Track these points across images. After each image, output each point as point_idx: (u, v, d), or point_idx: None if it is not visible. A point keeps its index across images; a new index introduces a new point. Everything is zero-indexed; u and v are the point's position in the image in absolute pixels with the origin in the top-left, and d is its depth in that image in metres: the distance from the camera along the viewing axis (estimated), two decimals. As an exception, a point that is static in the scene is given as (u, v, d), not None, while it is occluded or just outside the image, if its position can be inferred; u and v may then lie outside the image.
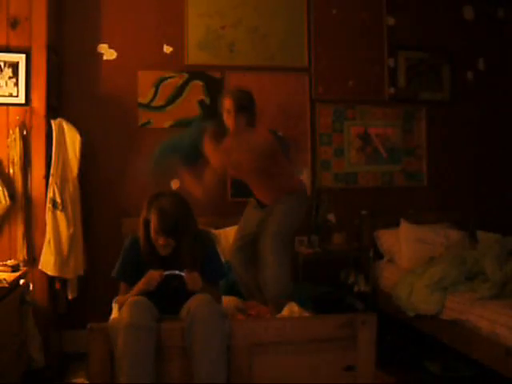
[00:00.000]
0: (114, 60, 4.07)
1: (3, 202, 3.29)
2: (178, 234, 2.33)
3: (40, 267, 3.39)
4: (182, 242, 2.35)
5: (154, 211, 2.33)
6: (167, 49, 4.15)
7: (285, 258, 2.96)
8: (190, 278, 2.30)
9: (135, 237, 2.48)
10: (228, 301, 2.66)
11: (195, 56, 4.16)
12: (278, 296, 2.79)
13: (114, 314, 2.66)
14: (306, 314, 2.54)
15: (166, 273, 2.30)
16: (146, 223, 2.38)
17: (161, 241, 2.33)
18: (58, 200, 3.44)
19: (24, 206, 3.39)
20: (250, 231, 3.13)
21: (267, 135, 3.03)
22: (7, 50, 3.41)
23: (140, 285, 2.32)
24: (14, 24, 3.42)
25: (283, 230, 2.98)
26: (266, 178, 3.04)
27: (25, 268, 3.31)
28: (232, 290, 3.13)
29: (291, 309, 2.58)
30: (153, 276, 2.30)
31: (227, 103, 3.00)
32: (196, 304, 2.13)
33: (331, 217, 4.36)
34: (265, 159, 2.95)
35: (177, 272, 2.30)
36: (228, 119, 3.01)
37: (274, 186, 3.06)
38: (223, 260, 2.82)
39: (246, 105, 2.98)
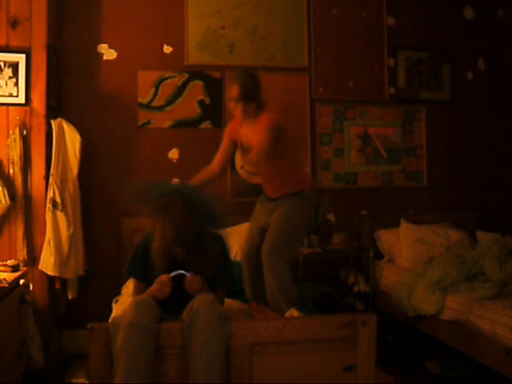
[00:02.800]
0: (114, 60, 4.07)
1: (3, 201, 3.28)
2: (190, 243, 2.36)
3: (40, 267, 3.39)
4: (193, 248, 2.38)
5: (167, 223, 2.32)
6: (167, 49, 4.15)
7: (283, 276, 2.80)
8: (190, 280, 2.30)
9: (149, 236, 2.46)
10: (232, 304, 2.65)
11: (195, 56, 4.16)
12: (282, 308, 2.73)
13: (114, 313, 2.66)
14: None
15: (172, 274, 2.30)
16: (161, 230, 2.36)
17: (178, 250, 2.36)
18: (58, 200, 3.44)
19: (24, 205, 3.39)
20: (256, 235, 3.03)
21: (275, 116, 2.92)
22: (7, 49, 3.41)
23: (153, 291, 2.31)
24: (13, 24, 3.42)
25: (281, 243, 2.82)
26: (275, 164, 2.92)
27: (25, 268, 3.31)
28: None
29: (291, 314, 2.58)
30: (163, 282, 2.29)
31: (234, 92, 2.87)
32: (198, 303, 2.13)
33: (331, 217, 4.36)
34: (273, 141, 2.83)
35: (181, 272, 2.31)
36: (236, 108, 2.90)
37: (282, 176, 2.95)
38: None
39: (254, 92, 2.88)
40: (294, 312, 2.61)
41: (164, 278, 2.30)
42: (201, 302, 2.13)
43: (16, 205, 3.38)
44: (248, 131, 2.92)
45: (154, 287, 2.31)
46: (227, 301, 2.65)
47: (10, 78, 3.41)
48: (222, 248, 2.54)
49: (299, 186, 2.96)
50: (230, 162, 3.14)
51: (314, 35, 4.37)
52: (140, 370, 1.97)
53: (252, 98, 2.85)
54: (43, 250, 3.40)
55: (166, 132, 4.13)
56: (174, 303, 2.30)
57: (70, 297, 3.66)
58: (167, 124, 4.13)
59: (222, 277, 2.47)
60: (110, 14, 4.06)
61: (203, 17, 4.18)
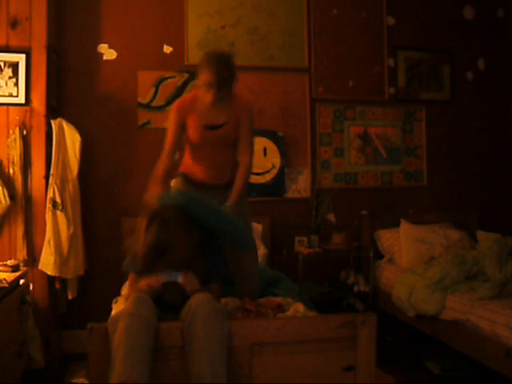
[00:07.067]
0: (114, 60, 4.07)
1: (3, 201, 3.29)
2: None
3: (40, 267, 3.40)
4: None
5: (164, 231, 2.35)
6: (167, 49, 4.15)
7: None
8: (186, 280, 2.30)
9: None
10: (227, 301, 2.65)
11: (195, 56, 4.15)
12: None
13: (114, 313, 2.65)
14: (311, 315, 2.54)
15: (164, 281, 2.30)
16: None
17: None
18: (58, 200, 3.44)
19: (24, 206, 3.39)
20: None
21: (248, 104, 2.84)
22: (7, 49, 3.41)
23: (143, 290, 2.32)
24: (14, 24, 3.42)
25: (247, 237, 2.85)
26: (227, 151, 2.83)
27: (25, 268, 3.31)
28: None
29: (296, 309, 2.58)
30: (152, 285, 2.29)
31: (208, 78, 2.66)
32: (196, 303, 2.12)
33: (331, 217, 4.37)
34: (236, 129, 2.77)
35: (173, 277, 2.30)
36: (207, 94, 2.70)
37: (228, 164, 2.86)
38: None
39: (228, 77, 2.67)
40: (299, 306, 2.61)
41: (153, 282, 2.29)
42: (198, 302, 2.12)
43: (16, 205, 3.38)
44: (213, 113, 2.78)
45: (143, 286, 2.30)
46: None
47: (9, 78, 3.41)
48: (218, 245, 2.56)
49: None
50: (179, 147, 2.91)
51: (314, 35, 4.37)
52: (140, 357, 1.93)
53: (226, 85, 2.69)
54: (43, 250, 3.40)
55: (166, 132, 4.12)
56: (166, 305, 2.31)
57: (69, 297, 3.66)
58: (167, 124, 4.12)
59: (216, 271, 2.50)
60: (110, 14, 4.06)
61: (203, 17, 4.18)
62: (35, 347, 3.24)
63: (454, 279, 3.40)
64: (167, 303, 2.30)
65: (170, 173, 2.86)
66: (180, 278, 2.31)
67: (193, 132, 2.79)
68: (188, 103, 2.83)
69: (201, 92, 2.74)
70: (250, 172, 2.90)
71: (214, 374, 1.95)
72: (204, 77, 2.68)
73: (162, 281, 2.30)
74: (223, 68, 2.66)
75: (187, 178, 2.89)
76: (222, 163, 2.87)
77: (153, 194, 2.68)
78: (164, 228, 2.34)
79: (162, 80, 4.11)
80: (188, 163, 2.90)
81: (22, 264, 3.32)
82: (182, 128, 2.83)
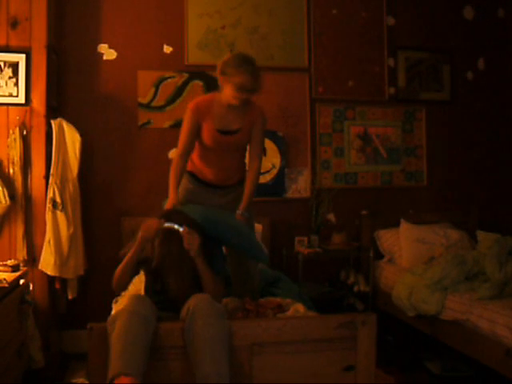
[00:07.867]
0: (114, 60, 4.07)
1: (3, 201, 3.29)
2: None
3: (40, 267, 3.40)
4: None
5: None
6: (167, 49, 4.15)
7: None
8: (188, 235, 2.33)
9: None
10: (227, 301, 2.66)
11: (195, 56, 4.16)
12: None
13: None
14: (311, 315, 2.54)
15: (166, 224, 2.33)
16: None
17: None
18: (58, 200, 3.44)
19: (24, 206, 3.39)
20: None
21: (262, 110, 2.88)
22: (7, 49, 3.41)
23: (140, 232, 2.37)
24: (14, 24, 3.42)
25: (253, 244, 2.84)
26: (237, 153, 2.88)
27: (25, 268, 3.31)
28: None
29: (296, 309, 2.58)
30: (152, 223, 2.36)
31: (243, 80, 2.64)
32: (195, 303, 2.12)
33: (331, 217, 4.37)
34: (248, 134, 2.82)
35: (175, 226, 2.32)
36: (235, 97, 2.70)
37: (237, 165, 2.91)
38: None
39: (260, 81, 2.70)
40: (299, 306, 2.62)
41: (154, 221, 2.35)
42: (197, 302, 2.12)
43: (16, 205, 3.38)
44: (229, 117, 2.79)
45: (141, 228, 2.36)
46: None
47: (9, 78, 3.41)
48: (218, 249, 2.61)
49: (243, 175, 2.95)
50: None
51: (314, 35, 4.37)
52: (138, 352, 1.92)
53: (257, 88, 2.72)
54: (43, 250, 3.41)
55: (166, 132, 4.13)
56: (166, 301, 2.32)
57: (70, 297, 3.66)
58: (167, 124, 4.13)
59: (215, 261, 2.54)
60: (110, 14, 4.06)
61: (203, 17, 4.18)
62: (35, 347, 3.24)
63: (453, 279, 3.39)
64: (164, 251, 2.35)
65: (183, 174, 2.86)
66: (183, 229, 2.33)
67: (207, 135, 2.78)
68: (204, 105, 2.81)
69: (227, 94, 2.72)
70: (258, 178, 2.92)
71: (219, 374, 1.94)
72: (238, 79, 2.65)
73: (164, 225, 2.33)
74: (257, 71, 2.69)
75: (195, 177, 2.89)
76: (231, 166, 2.88)
77: (171, 202, 2.69)
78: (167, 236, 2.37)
79: (162, 80, 4.11)
80: (196, 162, 2.90)
81: (22, 264, 3.32)
82: (196, 129, 2.80)
